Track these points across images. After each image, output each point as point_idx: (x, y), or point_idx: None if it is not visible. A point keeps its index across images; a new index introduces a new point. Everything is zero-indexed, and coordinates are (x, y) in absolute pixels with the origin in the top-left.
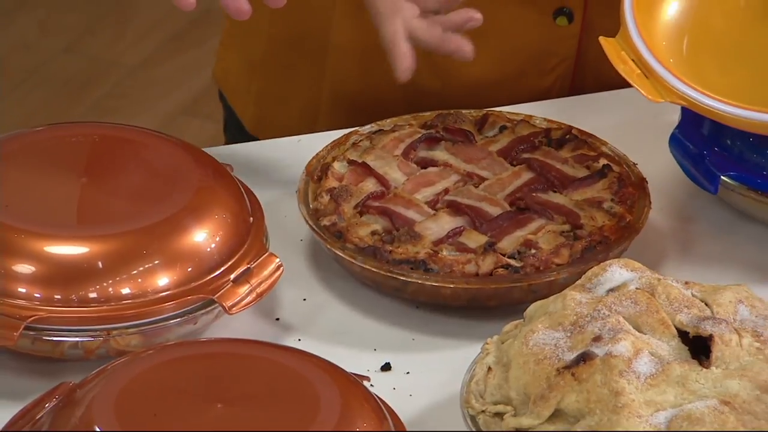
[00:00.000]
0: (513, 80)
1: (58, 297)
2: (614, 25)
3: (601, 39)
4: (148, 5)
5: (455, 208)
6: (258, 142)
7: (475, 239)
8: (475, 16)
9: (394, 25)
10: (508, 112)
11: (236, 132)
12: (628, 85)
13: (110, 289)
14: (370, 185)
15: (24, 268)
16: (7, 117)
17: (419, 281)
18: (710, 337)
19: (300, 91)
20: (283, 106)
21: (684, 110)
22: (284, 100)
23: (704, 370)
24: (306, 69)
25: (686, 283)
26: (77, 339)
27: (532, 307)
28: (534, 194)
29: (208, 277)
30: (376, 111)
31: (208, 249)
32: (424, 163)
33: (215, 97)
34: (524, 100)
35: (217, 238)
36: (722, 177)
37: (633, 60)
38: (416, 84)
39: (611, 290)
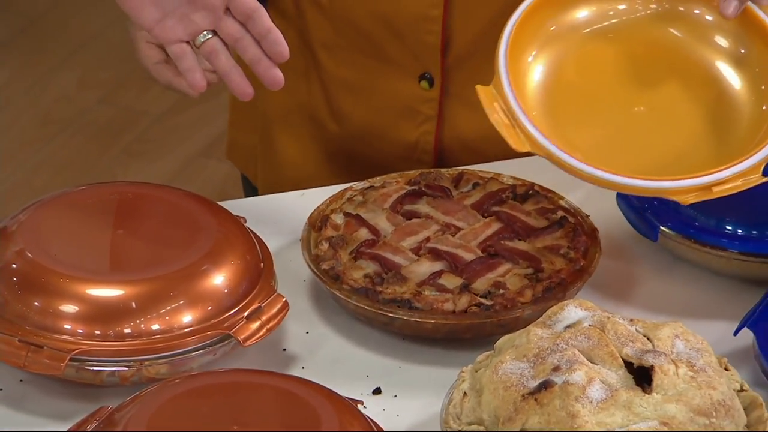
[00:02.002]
0: (387, 130)
1: (98, 333)
2: (470, 92)
3: (478, 87)
4: None
5: (435, 254)
6: (266, 196)
7: (452, 281)
8: (277, 78)
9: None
10: (480, 171)
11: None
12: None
13: (142, 325)
14: (363, 234)
15: (69, 308)
16: (52, 158)
17: (405, 317)
18: (651, 368)
19: (250, 141)
20: (243, 151)
21: None
22: (245, 148)
23: (646, 395)
24: (253, 123)
25: (631, 320)
26: (114, 368)
27: (501, 341)
28: (502, 242)
29: (225, 315)
30: (297, 158)
31: (225, 290)
32: (409, 215)
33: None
34: (397, 149)
35: (233, 282)
36: (661, 227)
37: (503, 110)
38: (323, 126)
39: (568, 327)
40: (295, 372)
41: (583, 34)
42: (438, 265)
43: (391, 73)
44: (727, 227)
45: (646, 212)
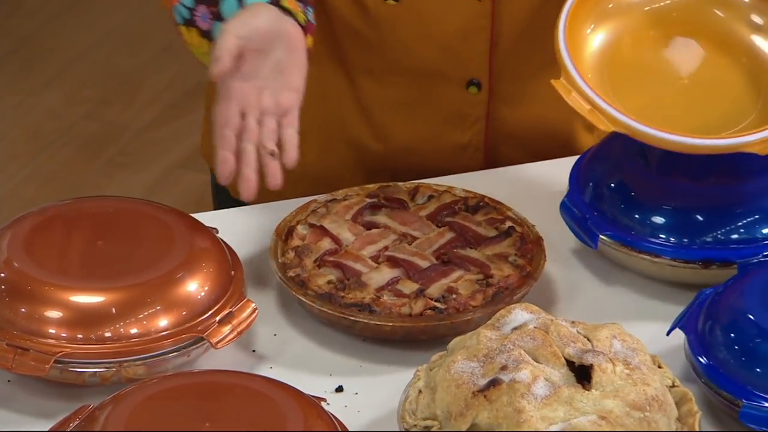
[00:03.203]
0: (438, 138)
1: (81, 336)
2: (514, 90)
3: (554, 82)
4: (151, 81)
5: (393, 262)
6: (237, 208)
7: (409, 287)
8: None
9: (224, 130)
10: (434, 184)
11: (224, 196)
12: (530, 148)
13: (121, 329)
14: (326, 244)
15: (54, 313)
16: (40, 170)
17: (365, 320)
18: (591, 366)
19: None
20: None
21: (571, 182)
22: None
23: (586, 392)
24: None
25: (573, 322)
26: (95, 370)
27: (454, 342)
28: (455, 250)
29: (199, 320)
30: (335, 178)
31: (199, 297)
32: (369, 226)
33: None
34: (448, 153)
35: (206, 288)
36: (601, 235)
37: (582, 97)
38: (364, 147)
39: (515, 329)
40: (264, 372)
41: (638, 13)
42: (396, 272)
43: (440, 86)
44: (661, 235)
45: (587, 222)
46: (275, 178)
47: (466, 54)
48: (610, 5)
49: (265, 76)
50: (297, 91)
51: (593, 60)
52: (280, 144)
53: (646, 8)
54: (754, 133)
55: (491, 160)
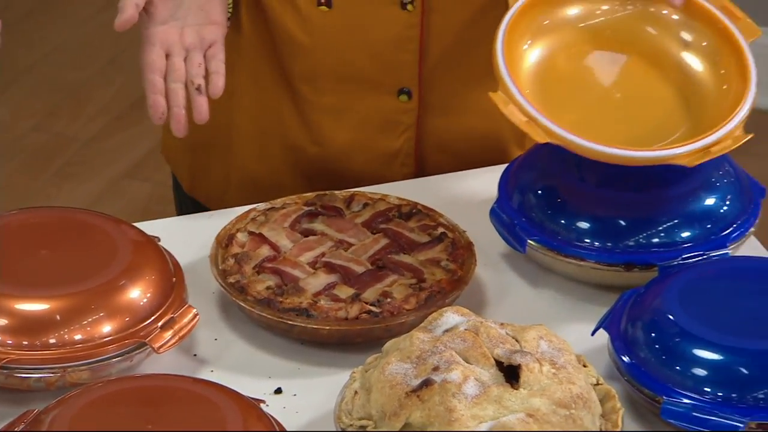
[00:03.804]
0: (371, 143)
1: (26, 343)
2: (444, 100)
3: (491, 94)
4: (98, 93)
5: (330, 268)
6: (179, 217)
7: (345, 291)
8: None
9: (151, 75)
10: (369, 192)
11: (180, 191)
12: (461, 156)
13: (66, 336)
14: (265, 251)
15: None
16: None
17: (303, 324)
18: (519, 366)
19: (216, 166)
20: (206, 177)
21: (500, 189)
22: (206, 173)
23: (515, 391)
24: (218, 148)
25: (501, 324)
26: (40, 375)
27: (388, 344)
28: (389, 256)
29: (141, 325)
30: (274, 183)
31: (141, 303)
32: (306, 233)
33: (151, 163)
34: (381, 158)
35: (148, 295)
36: (529, 240)
37: (519, 109)
38: (301, 150)
39: (446, 331)
40: (205, 375)
41: (572, 29)
42: (332, 278)
43: (371, 93)
44: (586, 240)
45: (515, 227)
46: (201, 113)
47: (396, 62)
48: (546, 21)
49: (184, 15)
50: (219, 24)
51: (530, 75)
52: (207, 76)
53: (581, 25)
54: (682, 145)
55: (422, 168)
